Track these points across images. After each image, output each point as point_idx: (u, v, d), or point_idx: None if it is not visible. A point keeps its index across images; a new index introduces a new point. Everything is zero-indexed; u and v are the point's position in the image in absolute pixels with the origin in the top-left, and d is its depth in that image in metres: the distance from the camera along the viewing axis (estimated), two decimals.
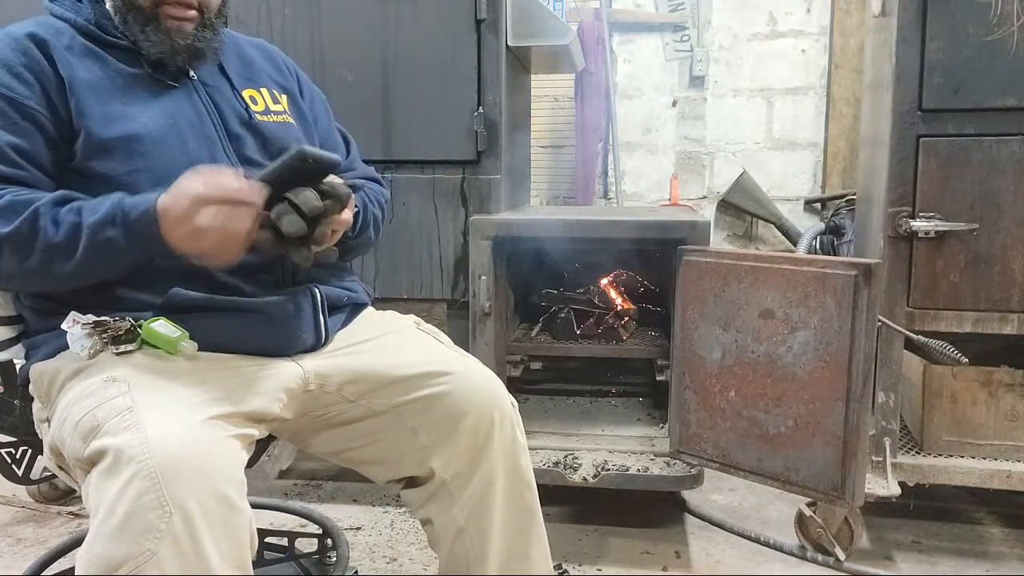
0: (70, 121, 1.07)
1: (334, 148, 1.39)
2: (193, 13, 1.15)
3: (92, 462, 0.89)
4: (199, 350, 1.05)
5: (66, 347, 1.03)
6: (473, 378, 1.17)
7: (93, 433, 0.90)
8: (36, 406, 1.11)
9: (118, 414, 0.90)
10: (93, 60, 1.11)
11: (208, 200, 0.94)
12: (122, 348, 1.01)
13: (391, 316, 1.32)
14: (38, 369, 1.08)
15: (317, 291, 1.15)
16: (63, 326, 1.02)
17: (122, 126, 1.09)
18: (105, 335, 1.01)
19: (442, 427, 1.14)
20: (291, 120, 1.28)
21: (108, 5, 1.15)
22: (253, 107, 1.22)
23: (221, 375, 1.03)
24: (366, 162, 1.46)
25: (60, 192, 1.03)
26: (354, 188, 1.18)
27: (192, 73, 1.18)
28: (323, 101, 1.41)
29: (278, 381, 1.08)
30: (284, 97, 1.29)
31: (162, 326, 1.03)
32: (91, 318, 1.02)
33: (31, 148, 1.05)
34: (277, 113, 1.25)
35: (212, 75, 1.21)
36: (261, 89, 1.26)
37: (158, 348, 1.03)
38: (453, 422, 1.14)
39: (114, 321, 1.02)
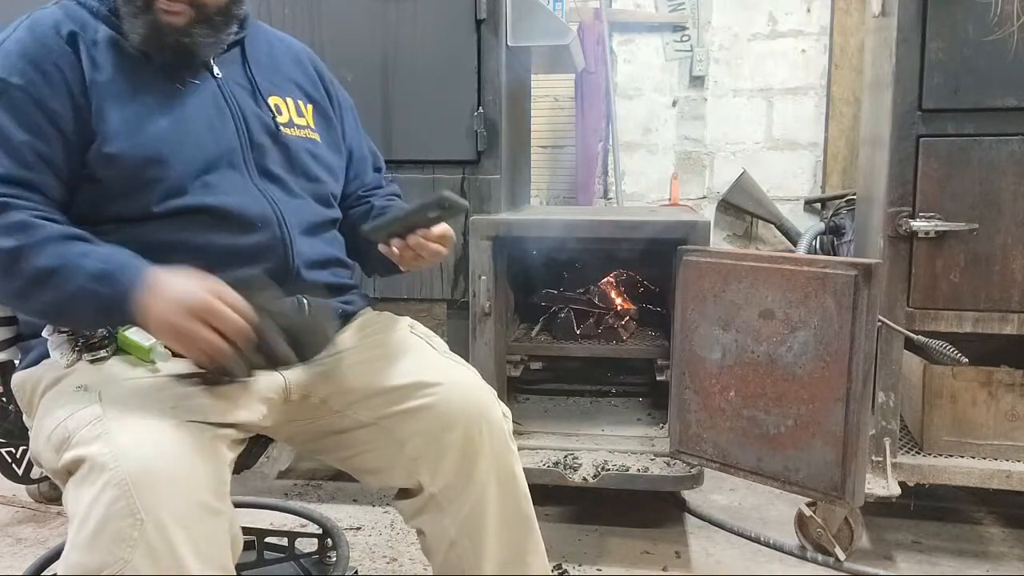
0: (90, 124, 1.03)
1: (362, 166, 1.35)
2: (183, 8, 1.07)
3: (68, 472, 0.88)
4: (178, 356, 1.01)
5: (49, 354, 1.02)
6: (461, 389, 1.13)
7: (65, 444, 0.89)
8: (24, 414, 1.11)
9: (88, 423, 0.88)
10: (114, 56, 1.06)
11: (196, 315, 0.90)
12: (97, 355, 1.01)
13: (384, 319, 1.27)
14: (20, 378, 1.07)
15: (304, 303, 1.10)
16: (44, 333, 1.02)
17: (139, 134, 1.04)
18: (80, 342, 1.00)
19: (429, 440, 1.10)
20: (315, 136, 1.23)
21: None
22: (278, 117, 1.17)
23: (197, 382, 1.00)
24: None
25: (71, 229, 0.99)
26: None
27: (216, 70, 1.13)
28: (352, 110, 1.35)
29: (256, 392, 1.04)
30: (310, 108, 1.24)
31: (136, 333, 1.01)
32: None
33: (49, 151, 1.01)
34: (300, 127, 1.20)
35: (237, 74, 1.16)
36: (287, 98, 1.20)
37: (132, 355, 1.02)
38: (439, 435, 1.10)
39: None
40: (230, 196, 1.08)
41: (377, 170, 1.40)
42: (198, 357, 0.95)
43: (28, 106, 1.00)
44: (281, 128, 1.17)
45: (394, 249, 1.11)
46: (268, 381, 1.06)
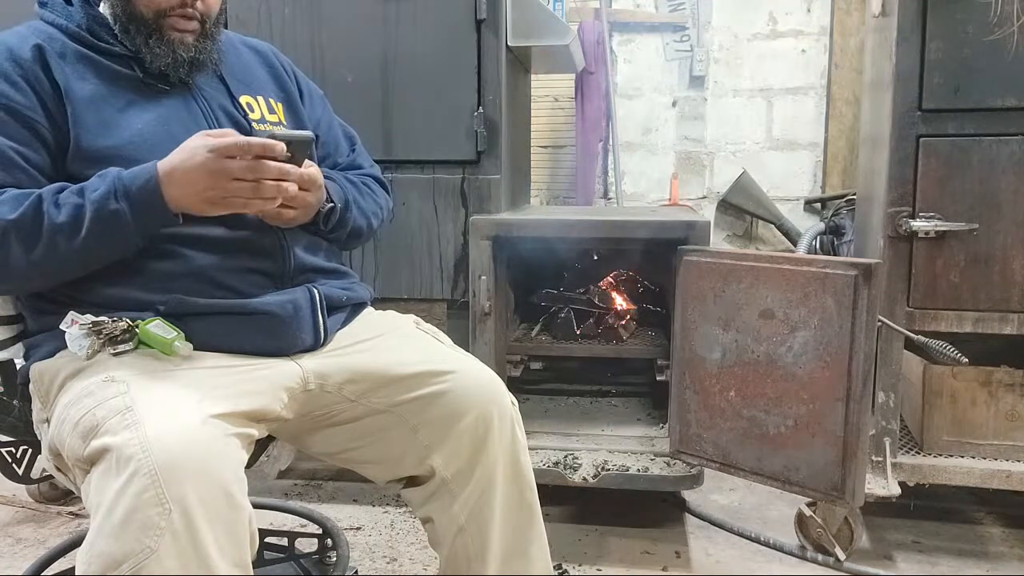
0: (67, 128, 1.07)
1: (335, 146, 1.39)
2: (195, 25, 1.14)
3: (92, 461, 0.89)
4: (200, 350, 1.05)
5: (65, 346, 1.03)
6: (472, 376, 1.18)
7: (93, 432, 0.90)
8: (36, 406, 1.11)
9: (117, 413, 0.90)
10: (87, 66, 1.11)
11: (221, 151, 0.98)
12: (119, 348, 1.02)
13: (391, 316, 1.32)
14: (38, 369, 1.08)
15: (316, 291, 1.16)
16: (61, 326, 1.02)
17: (117, 134, 1.08)
18: (102, 335, 1.01)
19: (442, 425, 1.14)
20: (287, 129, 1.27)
21: (107, 13, 1.14)
22: (250, 114, 1.22)
23: (221, 374, 1.03)
24: None
25: (59, 183, 1.04)
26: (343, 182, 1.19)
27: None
28: (322, 98, 1.41)
29: (278, 381, 1.08)
30: (280, 106, 1.29)
31: (158, 327, 1.03)
32: (89, 318, 1.02)
33: (35, 156, 1.06)
34: (273, 124, 1.25)
35: (209, 79, 1.21)
36: (258, 97, 1.26)
37: (154, 348, 1.03)
38: (453, 420, 1.14)
39: (111, 321, 1.02)
40: None
41: (352, 150, 1.43)
42: (236, 189, 1.01)
43: (6, 118, 1.05)
44: (253, 124, 1.21)
45: None
46: (287, 371, 1.10)
